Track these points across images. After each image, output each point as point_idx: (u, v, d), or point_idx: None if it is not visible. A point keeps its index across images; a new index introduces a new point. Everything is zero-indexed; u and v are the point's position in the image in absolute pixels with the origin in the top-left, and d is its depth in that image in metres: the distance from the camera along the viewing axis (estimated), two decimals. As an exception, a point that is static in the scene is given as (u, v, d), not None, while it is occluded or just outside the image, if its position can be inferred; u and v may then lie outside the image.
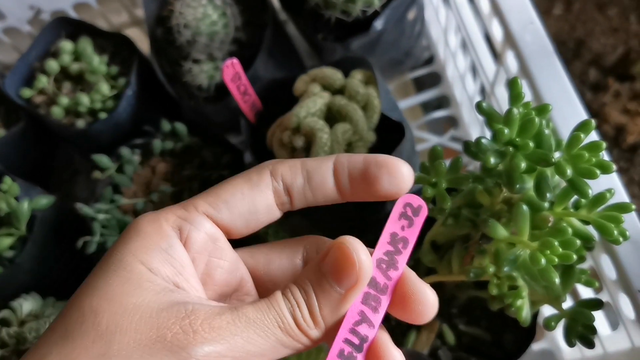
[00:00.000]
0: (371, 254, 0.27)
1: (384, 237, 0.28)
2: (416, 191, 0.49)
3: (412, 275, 0.27)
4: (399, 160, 0.28)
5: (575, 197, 0.40)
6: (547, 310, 0.53)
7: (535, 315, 0.51)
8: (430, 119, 0.75)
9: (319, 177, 0.29)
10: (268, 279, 0.31)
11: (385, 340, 0.26)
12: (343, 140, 0.54)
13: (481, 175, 0.42)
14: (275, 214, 0.30)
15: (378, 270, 0.27)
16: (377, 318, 0.27)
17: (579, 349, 0.56)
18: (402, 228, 0.28)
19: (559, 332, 0.61)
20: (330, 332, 0.26)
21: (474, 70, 0.67)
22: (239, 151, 0.66)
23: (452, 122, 0.74)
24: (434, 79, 0.78)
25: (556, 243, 0.36)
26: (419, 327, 0.54)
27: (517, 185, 0.38)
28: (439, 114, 0.75)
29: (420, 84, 0.78)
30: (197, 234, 0.28)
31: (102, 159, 0.65)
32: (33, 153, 0.77)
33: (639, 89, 0.95)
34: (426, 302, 0.27)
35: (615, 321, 0.49)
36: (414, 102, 0.76)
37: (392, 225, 0.28)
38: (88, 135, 0.68)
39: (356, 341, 0.26)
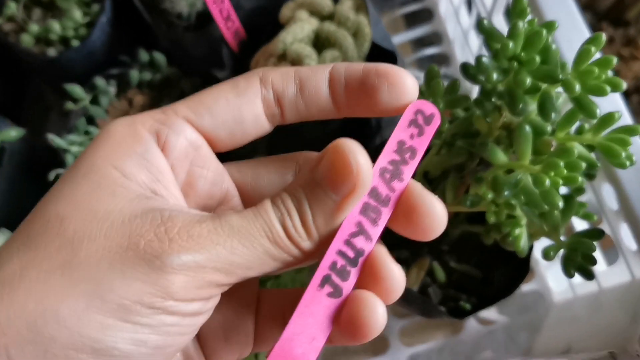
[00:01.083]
0: (375, 161, 0.24)
1: (391, 144, 0.25)
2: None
3: (418, 186, 0.25)
4: (402, 70, 0.25)
5: (577, 124, 0.38)
6: (541, 246, 0.51)
7: (528, 252, 0.49)
8: (421, 57, 0.72)
9: (313, 86, 0.26)
10: (256, 195, 0.28)
11: (383, 254, 0.24)
12: (332, 68, 0.51)
13: (480, 99, 0.40)
14: (264, 126, 0.27)
15: (381, 180, 0.24)
16: (376, 231, 0.24)
17: (571, 288, 0.55)
18: (411, 136, 0.25)
19: (549, 273, 0.60)
20: (324, 246, 0.24)
21: (469, 3, 0.64)
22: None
23: (444, 60, 0.72)
24: (425, 15, 0.74)
25: (562, 164, 0.34)
26: (408, 265, 0.52)
27: (520, 106, 0.36)
28: (430, 51, 0.72)
29: (411, 21, 0.75)
30: (176, 138, 0.25)
31: (75, 89, 0.61)
32: (3, 86, 0.72)
33: (633, 35, 0.92)
34: (434, 215, 0.24)
35: (611, 257, 0.48)
36: (403, 39, 0.73)
37: (400, 132, 0.25)
38: (60, 64, 0.64)
39: (351, 254, 0.23)
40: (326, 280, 0.23)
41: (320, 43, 0.54)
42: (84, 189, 0.23)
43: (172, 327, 0.22)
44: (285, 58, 0.52)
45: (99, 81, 0.62)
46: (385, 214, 0.24)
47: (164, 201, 0.24)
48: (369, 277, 0.24)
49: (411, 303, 0.49)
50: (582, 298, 0.52)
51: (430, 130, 0.25)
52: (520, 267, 0.50)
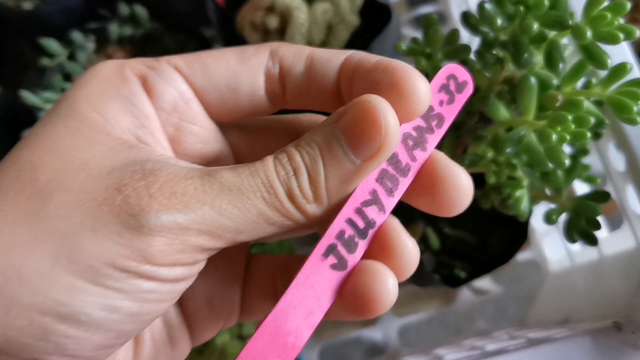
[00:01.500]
0: None
1: None
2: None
3: (443, 156, 0.22)
4: (413, 71, 0.21)
5: (583, 80, 0.36)
6: (538, 213, 0.49)
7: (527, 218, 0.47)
8: (417, 15, 0.69)
9: (321, 68, 0.23)
10: (252, 158, 0.25)
11: (397, 227, 0.21)
12: (322, 21, 0.48)
13: (481, 50, 0.37)
14: (262, 103, 0.24)
15: (403, 147, 0.22)
16: (391, 203, 0.21)
17: (569, 256, 0.53)
18: (440, 103, 0.22)
19: (545, 240, 0.57)
20: (332, 213, 0.21)
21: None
22: (206, 40, 0.59)
23: (441, 18, 0.68)
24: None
25: (570, 118, 0.31)
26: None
27: (525, 56, 0.33)
28: (426, 9, 0.69)
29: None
30: (164, 86, 0.22)
31: (51, 44, 0.58)
32: (-23, 43, 0.69)
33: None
34: (461, 187, 0.21)
35: (613, 223, 0.45)
36: (399, -3, 0.70)
37: None
38: (35, 18, 0.60)
39: (361, 224, 0.21)
40: (331, 249, 0.20)
41: (311, -5, 0.50)
42: (61, 135, 0.20)
43: (149, 293, 0.19)
44: (274, 10, 0.49)
45: (76, 36, 0.59)
46: (403, 184, 0.22)
47: (149, 150, 0.21)
48: (380, 251, 0.21)
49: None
50: (581, 267, 0.50)
51: (461, 99, 0.23)
52: (518, 234, 0.48)
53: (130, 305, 0.19)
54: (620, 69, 0.32)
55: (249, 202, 0.20)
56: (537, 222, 0.56)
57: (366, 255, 0.21)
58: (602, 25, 0.31)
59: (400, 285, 0.55)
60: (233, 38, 0.53)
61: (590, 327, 0.37)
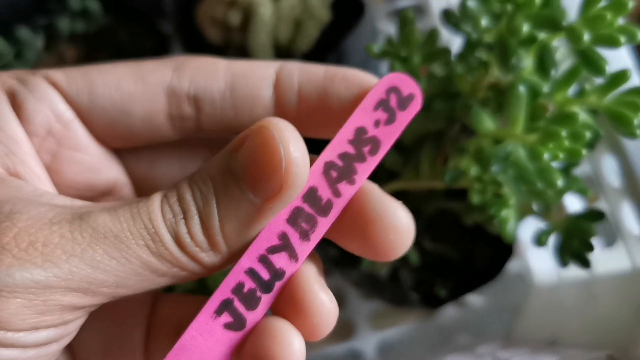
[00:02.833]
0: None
1: (345, 131, 0.18)
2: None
3: (375, 190, 0.19)
4: (374, 79, 0.20)
5: (574, 88, 0.32)
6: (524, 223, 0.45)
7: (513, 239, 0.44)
8: (394, 9, 0.65)
9: (249, 85, 0.20)
10: (150, 187, 0.22)
11: (311, 278, 0.18)
12: (290, 17, 0.44)
13: (463, 53, 0.33)
14: (163, 130, 0.20)
15: (324, 179, 0.18)
16: (305, 248, 0.18)
17: (556, 270, 0.49)
18: (375, 123, 0.19)
19: (530, 252, 0.54)
20: (235, 257, 0.18)
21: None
22: (164, 36, 0.54)
23: (419, 12, 0.64)
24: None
25: (564, 134, 0.27)
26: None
27: (513, 60, 0.29)
28: (404, 2, 0.65)
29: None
30: (35, 105, 0.19)
31: (-5, 41, 0.53)
32: None
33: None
34: (399, 228, 0.18)
35: (603, 239, 0.42)
36: (375, -11, 0.66)
37: (363, 115, 0.18)
38: (-22, 12, 0.55)
39: (265, 275, 0.18)
40: (225, 306, 0.17)
41: (277, -12, 0.46)
42: None
43: None
44: (237, 5, 0.45)
45: (23, 33, 0.54)
46: (323, 225, 0.18)
47: (17, 186, 0.18)
48: (288, 308, 0.18)
49: (379, 290, 0.43)
50: (569, 283, 0.46)
51: (404, 118, 0.19)
52: (503, 248, 0.44)
53: None
54: (619, 77, 0.29)
55: (130, 251, 0.16)
56: (521, 231, 0.52)
57: (274, 310, 0.18)
58: (601, 27, 0.28)
59: (376, 299, 0.50)
60: (192, 34, 0.49)
61: (583, 358, 0.33)
